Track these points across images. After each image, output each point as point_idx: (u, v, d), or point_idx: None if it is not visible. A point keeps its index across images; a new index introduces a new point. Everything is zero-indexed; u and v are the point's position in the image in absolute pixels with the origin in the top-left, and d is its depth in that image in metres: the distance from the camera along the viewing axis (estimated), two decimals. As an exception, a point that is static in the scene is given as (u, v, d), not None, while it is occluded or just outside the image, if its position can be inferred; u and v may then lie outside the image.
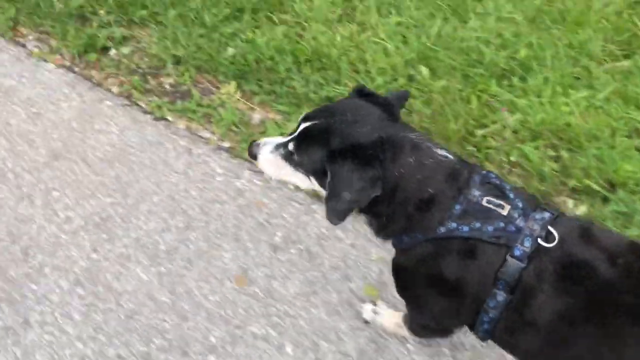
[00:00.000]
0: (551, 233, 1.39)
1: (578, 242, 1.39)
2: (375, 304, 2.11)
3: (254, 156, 1.68)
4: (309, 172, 1.56)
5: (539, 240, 1.38)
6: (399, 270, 1.61)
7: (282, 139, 1.64)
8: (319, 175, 1.53)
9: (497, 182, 1.48)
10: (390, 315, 2.06)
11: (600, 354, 1.35)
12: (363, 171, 1.42)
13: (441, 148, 1.51)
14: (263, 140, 1.68)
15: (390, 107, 1.56)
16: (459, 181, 1.46)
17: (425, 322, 1.76)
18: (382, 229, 1.56)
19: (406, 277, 1.60)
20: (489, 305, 1.42)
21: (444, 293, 1.50)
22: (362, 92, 1.61)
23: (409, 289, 1.62)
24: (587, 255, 1.37)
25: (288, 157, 1.59)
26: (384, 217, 1.52)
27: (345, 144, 1.46)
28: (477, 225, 1.41)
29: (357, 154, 1.44)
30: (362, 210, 1.56)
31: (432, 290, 1.53)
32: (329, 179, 1.47)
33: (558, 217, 1.43)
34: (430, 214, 1.45)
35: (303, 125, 1.57)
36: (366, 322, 2.11)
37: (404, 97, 1.63)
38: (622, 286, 1.32)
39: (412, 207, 1.46)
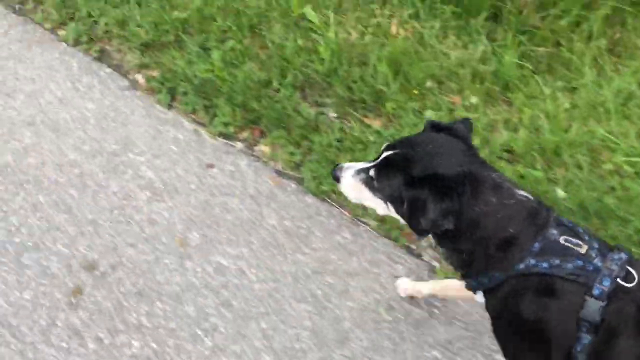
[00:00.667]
0: (630, 273, 1.41)
1: None
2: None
3: (337, 179, 1.73)
4: (387, 198, 1.60)
5: (619, 280, 1.40)
6: (494, 317, 1.59)
7: (364, 165, 1.68)
8: (396, 202, 1.57)
9: (570, 224, 1.51)
10: (406, 285, 2.25)
11: None
12: (439, 201, 1.45)
13: (521, 188, 1.54)
14: (347, 164, 1.73)
15: (466, 139, 1.60)
16: (538, 221, 1.48)
17: None
18: (462, 266, 1.59)
19: (498, 322, 1.58)
20: (577, 349, 1.41)
21: (530, 336, 1.48)
22: (438, 126, 1.65)
23: (502, 333, 1.59)
24: None
25: (368, 183, 1.64)
26: (464, 253, 1.54)
27: (426, 172, 1.50)
28: (557, 262, 1.42)
29: (436, 183, 1.47)
30: (440, 244, 1.60)
31: (518, 332, 1.51)
32: (405, 205, 1.52)
33: (633, 258, 1.46)
34: (510, 253, 1.47)
35: (385, 154, 1.61)
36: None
37: (470, 125, 1.67)
38: None
39: (492, 246, 1.48)
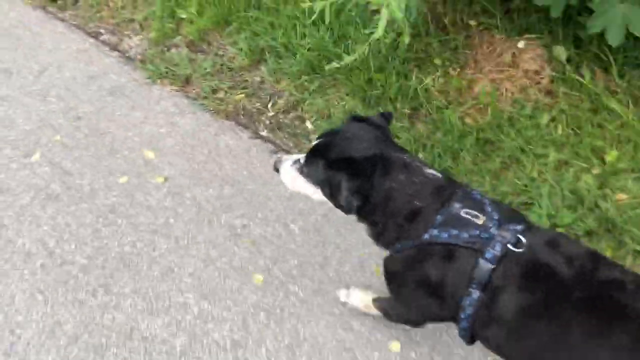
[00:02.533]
0: (520, 240, 1.58)
1: (544, 248, 1.58)
2: (347, 288, 2.36)
3: (277, 170, 1.95)
4: (315, 183, 1.81)
5: (509, 246, 1.57)
6: (390, 271, 1.81)
7: (299, 155, 1.89)
8: (322, 185, 1.78)
9: (479, 197, 1.69)
10: (360, 298, 2.30)
11: (553, 343, 1.50)
12: (350, 181, 1.67)
13: (430, 167, 1.73)
14: (285, 156, 1.95)
15: (384, 128, 1.82)
16: (442, 195, 1.67)
17: (410, 317, 1.98)
18: (379, 237, 1.78)
19: (395, 277, 1.80)
20: (465, 303, 1.60)
21: (428, 292, 1.69)
22: (358, 118, 1.86)
23: (397, 287, 1.83)
24: (549, 259, 1.55)
25: (301, 171, 1.85)
26: (380, 225, 1.74)
27: (341, 156, 1.72)
28: (455, 232, 1.61)
29: (349, 166, 1.69)
30: (359, 219, 1.80)
31: (418, 289, 1.72)
32: (326, 187, 1.75)
33: (532, 229, 1.64)
34: (417, 224, 1.66)
35: (314, 143, 1.83)
36: (343, 303, 2.36)
37: (388, 117, 1.88)
38: (574, 283, 1.51)
39: (401, 217, 1.68)
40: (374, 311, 2.23)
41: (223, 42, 3.41)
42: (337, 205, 1.76)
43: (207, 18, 3.43)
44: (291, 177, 1.89)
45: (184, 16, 3.50)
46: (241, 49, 3.31)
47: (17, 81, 3.29)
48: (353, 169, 1.68)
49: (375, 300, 2.21)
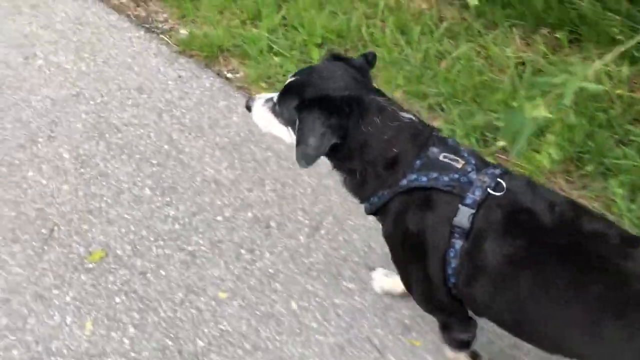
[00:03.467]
0: (500, 184, 1.53)
1: (524, 192, 1.54)
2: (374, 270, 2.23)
3: (249, 109, 1.84)
4: (287, 122, 1.70)
5: (489, 190, 1.51)
6: (386, 239, 1.71)
7: (272, 94, 1.78)
8: (294, 125, 1.65)
9: (453, 143, 1.64)
10: (381, 280, 2.18)
11: (536, 293, 1.46)
12: (326, 119, 1.56)
13: (405, 111, 1.66)
14: (258, 95, 1.84)
15: (364, 70, 1.73)
16: (420, 140, 1.60)
17: (423, 294, 1.74)
18: (357, 190, 1.69)
19: (390, 243, 1.71)
20: (450, 255, 1.52)
21: (415, 249, 1.60)
22: (338, 57, 1.77)
23: (394, 254, 1.72)
24: (530, 203, 1.51)
25: (274, 110, 1.74)
26: (357, 174, 1.65)
27: (316, 94, 1.62)
28: (434, 175, 1.55)
29: (325, 104, 1.59)
30: (335, 166, 1.71)
31: (407, 249, 1.64)
32: (297, 125, 1.62)
33: (508, 173, 1.59)
34: (395, 171, 1.59)
35: (287, 81, 1.73)
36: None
37: (370, 58, 1.77)
38: (556, 230, 1.47)
39: (380, 165, 1.60)
40: (399, 291, 2.12)
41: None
42: (303, 145, 1.60)
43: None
44: (263, 117, 1.79)
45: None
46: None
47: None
48: (329, 107, 1.59)
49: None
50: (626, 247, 1.43)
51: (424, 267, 1.60)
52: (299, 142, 1.60)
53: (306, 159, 1.60)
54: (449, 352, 1.92)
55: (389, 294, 2.19)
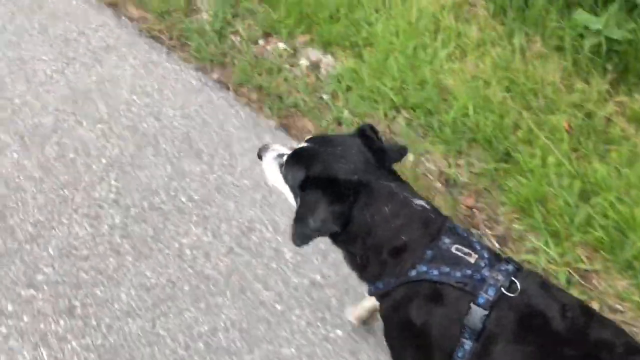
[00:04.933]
0: (514, 283, 1.44)
1: (537, 293, 1.45)
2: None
3: (260, 157, 1.79)
4: (290, 188, 1.65)
5: (502, 290, 1.43)
6: (384, 319, 1.63)
7: (286, 150, 1.73)
8: (295, 194, 1.62)
9: (465, 234, 1.54)
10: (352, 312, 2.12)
11: None
12: (329, 204, 1.50)
13: (419, 198, 1.57)
14: (274, 146, 1.79)
15: (382, 154, 1.63)
16: (431, 229, 1.51)
17: None
18: (358, 269, 1.63)
19: (386, 325, 1.62)
20: (458, 355, 1.44)
21: (413, 339, 1.53)
22: (364, 133, 1.66)
23: (389, 337, 1.63)
24: (543, 306, 1.43)
25: (282, 170, 1.69)
26: (358, 257, 1.58)
27: (323, 174, 1.56)
28: (446, 270, 1.46)
29: (330, 187, 1.53)
30: (336, 244, 1.63)
31: (405, 336, 1.56)
32: (298, 199, 1.58)
33: (521, 270, 1.49)
34: (403, 260, 1.50)
35: (300, 145, 1.68)
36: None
37: (401, 151, 1.70)
38: (566, 338, 1.40)
39: (385, 252, 1.52)
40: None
41: None
42: (299, 223, 1.56)
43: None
44: (271, 171, 1.74)
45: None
46: None
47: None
48: (333, 191, 1.52)
49: None
50: (629, 356, 1.38)
51: (427, 356, 1.53)
52: (297, 220, 1.55)
53: (302, 239, 1.56)
54: None
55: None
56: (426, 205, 1.56)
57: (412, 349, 1.55)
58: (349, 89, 2.96)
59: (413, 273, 1.48)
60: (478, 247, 1.50)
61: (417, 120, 2.80)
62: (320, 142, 1.67)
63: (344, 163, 1.56)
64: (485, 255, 1.48)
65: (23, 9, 3.35)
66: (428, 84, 2.86)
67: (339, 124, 2.84)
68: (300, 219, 1.54)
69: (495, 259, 1.50)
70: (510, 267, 1.47)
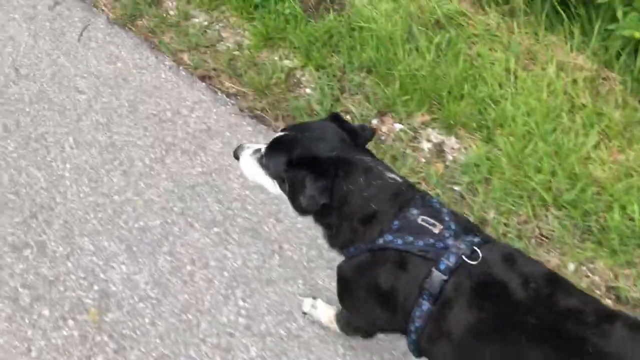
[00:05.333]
0: (476, 252, 1.53)
1: (499, 264, 1.53)
2: (314, 299, 2.26)
3: (237, 157, 1.89)
4: (273, 176, 1.77)
5: (463, 257, 1.52)
6: (341, 277, 1.74)
7: (261, 145, 1.84)
8: (281, 181, 1.75)
9: (437, 206, 1.65)
10: (324, 311, 2.20)
11: None
12: (315, 181, 1.63)
13: (392, 172, 1.71)
14: (248, 144, 1.91)
15: (355, 134, 1.76)
16: (400, 200, 1.63)
17: (359, 325, 1.96)
18: (333, 240, 1.73)
19: (347, 283, 1.73)
20: (415, 314, 1.55)
21: (378, 300, 1.64)
22: (336, 118, 1.81)
23: (348, 294, 1.76)
24: (504, 276, 1.51)
25: (261, 162, 1.80)
26: (334, 228, 1.70)
27: (304, 155, 1.69)
28: (410, 239, 1.57)
29: (313, 165, 1.66)
30: (316, 220, 1.75)
31: (368, 296, 1.67)
32: (286, 182, 1.71)
33: (489, 242, 1.60)
34: (372, 227, 1.62)
35: (277, 135, 1.79)
36: (304, 313, 2.25)
37: (369, 132, 1.81)
38: (528, 307, 1.45)
39: (356, 220, 1.64)
40: (334, 326, 2.15)
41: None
42: (295, 202, 1.71)
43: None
44: (250, 167, 1.85)
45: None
46: None
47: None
48: (318, 168, 1.65)
49: (337, 315, 2.14)
50: (603, 324, 1.40)
51: (388, 315, 1.64)
52: (291, 200, 1.72)
53: (301, 213, 1.74)
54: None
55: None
56: (398, 179, 1.69)
57: (375, 308, 1.66)
58: (487, 180, 2.66)
59: (380, 241, 1.60)
60: (447, 219, 1.61)
61: (571, 221, 2.50)
62: (296, 128, 1.82)
63: (322, 143, 1.70)
64: (452, 226, 1.59)
65: (108, 82, 3.02)
66: (579, 178, 2.56)
67: (482, 224, 2.54)
68: (292, 198, 1.70)
69: (464, 231, 1.60)
70: (475, 239, 1.57)
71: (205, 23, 3.27)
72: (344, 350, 2.19)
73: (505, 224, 2.50)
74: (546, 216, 2.54)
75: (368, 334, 2.00)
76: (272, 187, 1.80)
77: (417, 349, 1.62)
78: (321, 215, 1.71)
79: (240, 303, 2.28)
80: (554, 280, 1.53)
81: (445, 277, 1.51)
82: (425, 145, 2.84)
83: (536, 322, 1.42)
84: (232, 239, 2.46)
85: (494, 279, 1.51)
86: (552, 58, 2.92)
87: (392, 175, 1.68)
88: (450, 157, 2.80)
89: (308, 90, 3.04)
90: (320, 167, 1.65)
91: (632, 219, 2.42)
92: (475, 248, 1.54)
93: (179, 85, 3.02)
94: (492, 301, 1.48)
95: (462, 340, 1.50)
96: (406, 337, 1.62)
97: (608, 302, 2.32)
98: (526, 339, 1.42)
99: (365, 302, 1.69)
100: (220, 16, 3.32)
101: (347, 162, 1.67)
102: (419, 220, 1.59)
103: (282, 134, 1.79)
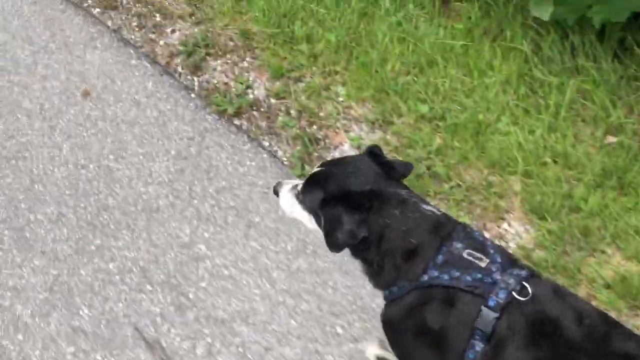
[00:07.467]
0: (525, 287, 1.49)
1: (550, 299, 1.49)
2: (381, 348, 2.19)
3: (276, 194, 1.95)
4: (310, 212, 1.80)
5: (513, 294, 1.48)
6: (389, 323, 1.69)
7: (299, 181, 1.91)
8: (317, 216, 1.77)
9: (480, 238, 1.63)
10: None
11: None
12: (351, 215, 1.64)
13: (428, 204, 1.69)
14: (286, 180, 1.98)
15: (390, 168, 1.77)
16: (441, 233, 1.61)
17: None
18: (376, 280, 1.71)
19: (396, 330, 1.68)
20: (469, 356, 1.49)
21: (429, 342, 1.57)
22: (372, 152, 1.82)
23: (399, 339, 1.69)
24: (556, 312, 1.46)
25: (298, 197, 1.85)
26: (375, 264, 1.68)
27: (338, 190, 1.72)
28: (456, 274, 1.53)
29: (347, 200, 1.68)
30: (353, 254, 1.75)
31: (418, 339, 1.61)
32: (321, 219, 1.72)
33: (534, 276, 1.55)
34: (415, 264, 1.59)
35: (312, 171, 1.85)
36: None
37: (407, 167, 1.82)
38: (582, 347, 1.41)
39: (399, 257, 1.62)
40: None
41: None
42: (330, 239, 1.69)
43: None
44: (288, 203, 1.90)
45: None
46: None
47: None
48: (352, 202, 1.66)
49: None
50: None
51: (434, 356, 1.58)
52: (327, 235, 1.70)
53: (336, 249, 1.70)
54: None
55: None
56: (436, 211, 1.67)
57: (427, 352, 1.59)
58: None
59: (425, 278, 1.56)
60: (491, 252, 1.57)
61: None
62: (331, 164, 1.87)
63: (355, 177, 1.73)
64: (498, 259, 1.56)
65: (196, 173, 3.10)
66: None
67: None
68: (329, 233, 1.69)
69: (509, 264, 1.56)
70: (522, 272, 1.53)
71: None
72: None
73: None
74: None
75: None
76: (309, 221, 1.84)
77: None
78: (359, 249, 1.71)
79: None
80: (607, 319, 1.49)
81: (496, 315, 1.47)
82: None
83: None
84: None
85: (547, 316, 1.47)
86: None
87: (429, 208, 1.68)
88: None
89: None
90: (355, 201, 1.67)
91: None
92: (524, 283, 1.50)
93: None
94: (548, 339, 1.44)
95: None
96: None
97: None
98: None
99: (415, 346, 1.64)
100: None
101: (381, 195, 1.68)
102: (465, 255, 1.56)
103: (317, 169, 1.83)
